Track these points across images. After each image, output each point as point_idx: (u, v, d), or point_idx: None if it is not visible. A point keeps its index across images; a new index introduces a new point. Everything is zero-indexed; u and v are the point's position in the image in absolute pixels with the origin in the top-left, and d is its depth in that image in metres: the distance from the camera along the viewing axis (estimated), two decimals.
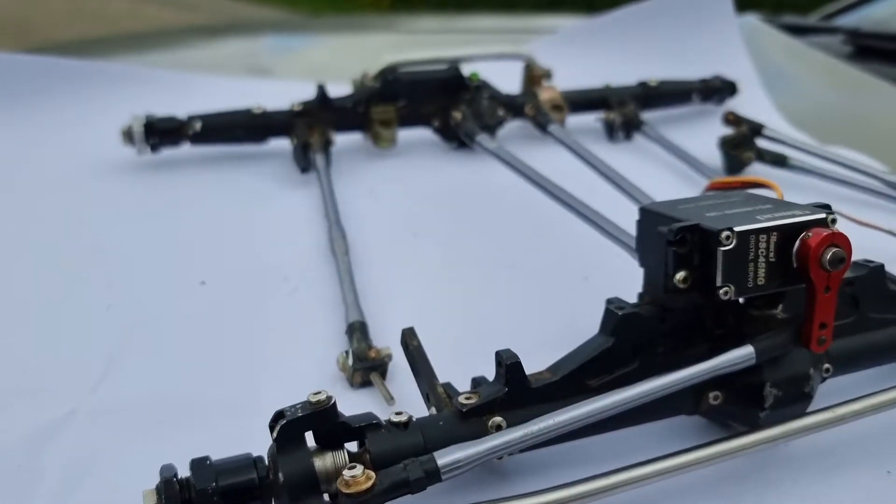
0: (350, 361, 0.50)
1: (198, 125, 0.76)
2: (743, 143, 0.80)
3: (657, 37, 1.01)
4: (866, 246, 0.62)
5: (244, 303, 0.58)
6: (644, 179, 0.78)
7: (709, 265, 0.42)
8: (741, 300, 0.45)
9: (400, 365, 0.49)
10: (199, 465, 0.37)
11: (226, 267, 0.62)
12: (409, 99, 0.80)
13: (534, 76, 0.88)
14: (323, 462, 0.38)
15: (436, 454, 0.38)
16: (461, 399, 0.42)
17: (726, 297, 0.43)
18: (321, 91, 0.78)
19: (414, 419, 0.41)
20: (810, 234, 0.42)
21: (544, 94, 0.86)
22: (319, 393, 0.39)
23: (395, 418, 0.40)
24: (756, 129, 0.83)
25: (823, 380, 0.48)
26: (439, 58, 0.84)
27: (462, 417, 0.41)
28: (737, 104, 0.97)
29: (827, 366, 0.47)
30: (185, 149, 0.78)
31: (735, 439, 0.43)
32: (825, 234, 0.42)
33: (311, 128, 0.78)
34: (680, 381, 0.42)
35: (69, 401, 0.47)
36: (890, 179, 0.75)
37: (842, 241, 0.42)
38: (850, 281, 0.48)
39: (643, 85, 0.91)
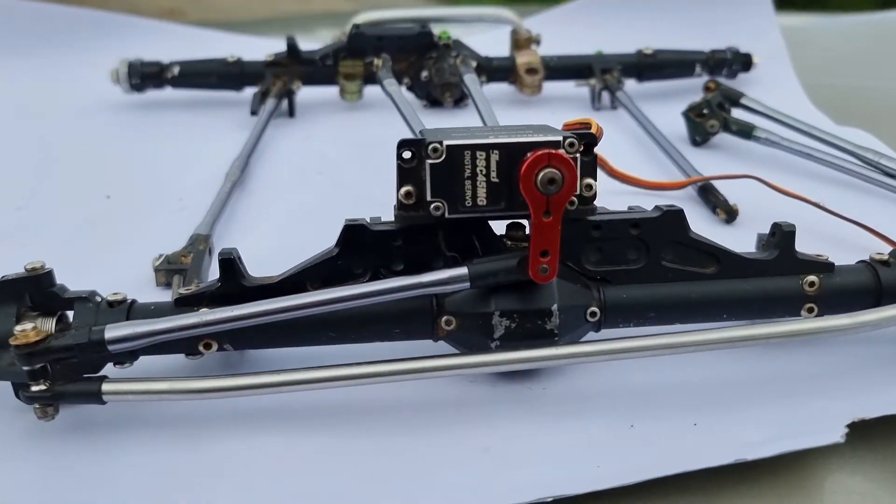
0: (159, 263, 0.53)
1: (176, 70, 0.83)
2: (708, 111, 0.74)
3: (684, 7, 0.95)
4: (790, 217, 0.58)
5: (131, 214, 0.63)
6: (605, 150, 0.75)
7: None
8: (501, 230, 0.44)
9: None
10: None
11: (136, 187, 0.68)
12: (377, 55, 0.82)
13: (519, 41, 0.87)
14: (23, 325, 0.42)
15: (108, 326, 0.40)
16: (180, 290, 0.44)
17: (438, 213, 0.42)
18: (290, 44, 0.83)
19: (133, 301, 0.44)
20: (529, 154, 0.40)
21: (521, 58, 0.85)
22: (36, 262, 0.43)
23: (111, 297, 0.43)
24: (733, 98, 0.76)
25: (597, 327, 0.44)
26: (415, 17, 0.85)
27: (174, 305, 0.43)
28: (759, 79, 0.90)
29: (594, 309, 0.44)
30: (172, 92, 0.85)
31: (459, 357, 0.42)
32: (542, 153, 0.39)
33: (278, 77, 0.82)
34: (386, 291, 0.41)
35: None
36: (866, 157, 0.67)
37: (560, 163, 0.40)
38: (636, 223, 0.45)
39: (638, 54, 0.87)
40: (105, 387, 0.40)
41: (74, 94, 0.85)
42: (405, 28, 0.83)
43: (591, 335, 0.45)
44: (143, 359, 0.44)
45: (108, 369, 0.42)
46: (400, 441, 0.41)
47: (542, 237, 0.41)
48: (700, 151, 0.76)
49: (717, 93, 0.75)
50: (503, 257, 0.42)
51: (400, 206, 0.43)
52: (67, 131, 0.78)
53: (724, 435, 0.41)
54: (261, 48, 0.86)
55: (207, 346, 0.43)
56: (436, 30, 0.83)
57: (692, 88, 0.90)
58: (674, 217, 0.45)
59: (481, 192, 0.41)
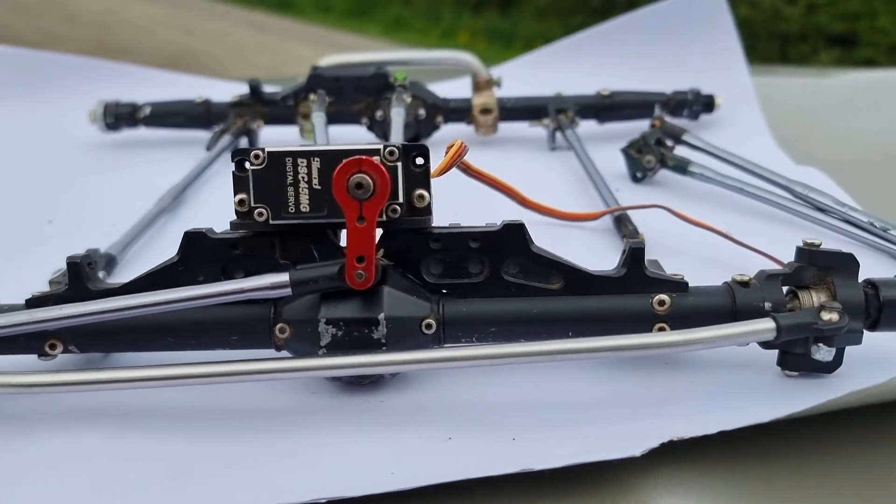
0: (55, 276, 0.56)
1: (147, 110, 0.88)
2: (645, 147, 0.73)
3: (652, 51, 0.95)
4: (699, 247, 0.60)
5: (65, 236, 0.67)
6: (545, 186, 0.76)
7: None
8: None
9: None
10: None
11: (79, 214, 0.72)
12: (336, 96, 0.85)
13: (478, 83, 0.88)
14: None
15: None
16: (34, 292, 0.46)
17: (262, 220, 0.43)
18: (252, 86, 0.86)
19: None
20: (344, 160, 0.41)
21: (477, 99, 0.86)
22: None
23: None
24: (675, 134, 0.75)
25: (437, 340, 0.44)
26: (376, 60, 0.88)
27: (25, 306, 0.45)
28: (725, 120, 0.89)
29: (430, 321, 0.44)
30: (145, 131, 0.90)
31: (280, 361, 0.42)
32: (351, 160, 0.40)
33: (239, 116, 0.86)
34: (201, 295, 0.43)
35: None
36: (796, 190, 0.65)
37: (371, 169, 0.40)
38: (476, 236, 0.45)
39: (597, 96, 0.87)
40: None
41: (54, 135, 0.90)
42: (362, 70, 0.86)
43: None
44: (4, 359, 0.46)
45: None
46: (212, 443, 0.42)
47: (357, 243, 0.41)
48: (641, 187, 0.75)
49: (655, 130, 0.75)
50: (325, 264, 0.43)
51: (236, 215, 0.44)
52: (43, 166, 0.84)
53: (535, 448, 0.40)
54: (233, 91, 0.91)
55: (53, 347, 0.45)
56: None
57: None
58: (515, 231, 0.45)
59: (304, 199, 0.42)
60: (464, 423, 0.42)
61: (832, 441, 0.42)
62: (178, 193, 0.71)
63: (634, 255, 0.45)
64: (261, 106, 0.87)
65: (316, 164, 0.42)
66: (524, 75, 0.97)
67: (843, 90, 1.10)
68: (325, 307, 0.43)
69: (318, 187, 0.42)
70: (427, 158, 0.44)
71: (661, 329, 0.44)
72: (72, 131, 0.90)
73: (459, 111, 0.87)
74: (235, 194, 0.44)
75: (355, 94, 0.85)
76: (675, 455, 0.39)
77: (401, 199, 0.43)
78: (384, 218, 0.42)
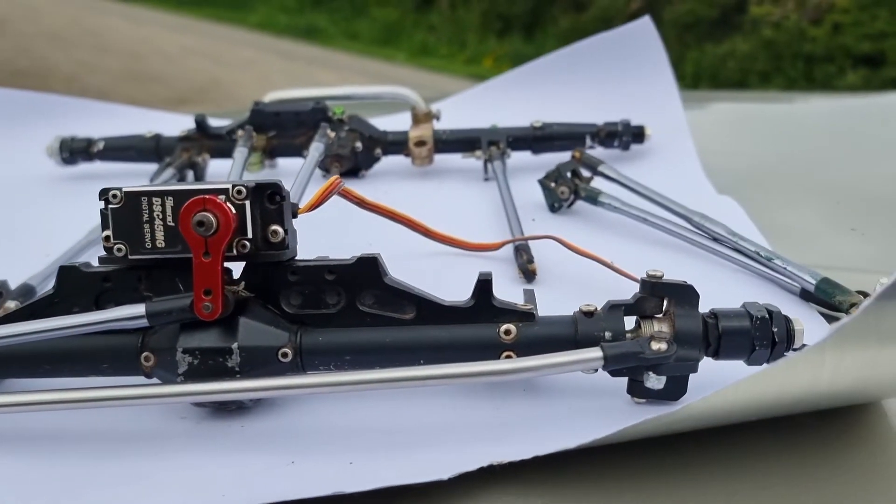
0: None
1: (101, 145, 0.92)
2: (560, 178, 0.75)
3: (589, 83, 0.98)
4: (586, 276, 0.62)
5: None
6: (468, 216, 0.78)
7: None
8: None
9: None
10: None
11: (16, 244, 0.76)
12: (278, 129, 0.89)
13: (417, 116, 0.91)
14: None
15: None
16: None
17: (121, 255, 0.46)
18: (198, 121, 0.90)
19: None
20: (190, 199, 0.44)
21: (413, 132, 0.89)
22: None
23: None
24: (593, 166, 0.77)
25: (294, 368, 0.47)
26: (320, 95, 0.91)
27: None
28: (656, 149, 0.91)
29: (285, 350, 0.46)
30: (107, 165, 0.94)
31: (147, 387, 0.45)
32: (196, 199, 0.43)
33: (186, 150, 0.89)
34: (63, 326, 0.46)
35: None
36: (693, 219, 0.67)
37: (215, 208, 0.43)
38: (332, 269, 0.47)
39: (530, 127, 0.89)
40: None
41: (16, 168, 0.95)
42: (301, 104, 0.89)
43: None
44: None
45: None
46: (73, 468, 0.44)
47: (202, 277, 0.44)
48: (558, 217, 0.77)
49: (572, 161, 0.77)
50: (179, 297, 0.45)
51: (104, 250, 0.47)
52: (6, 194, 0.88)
53: (369, 470, 0.42)
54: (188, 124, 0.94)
55: None
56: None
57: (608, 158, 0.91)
58: (368, 264, 0.47)
59: (159, 236, 0.45)
60: (309, 447, 0.45)
61: (665, 465, 0.43)
62: None
63: (483, 286, 0.47)
64: (207, 140, 0.90)
65: (169, 202, 0.45)
66: (468, 109, 0.99)
67: (792, 115, 1.12)
68: (182, 337, 0.46)
69: (172, 224, 0.45)
70: (281, 195, 0.46)
71: (508, 356, 0.46)
72: (29, 166, 0.94)
73: (397, 143, 0.90)
74: (102, 230, 0.47)
75: (296, 128, 0.89)
76: (498, 479, 0.41)
77: (250, 235, 0.45)
78: (234, 252, 0.45)
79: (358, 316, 0.48)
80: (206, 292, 0.44)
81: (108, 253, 0.46)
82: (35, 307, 0.48)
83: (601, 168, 0.77)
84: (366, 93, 0.93)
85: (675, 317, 0.46)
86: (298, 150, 0.90)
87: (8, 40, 7.06)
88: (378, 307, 0.48)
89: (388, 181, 0.89)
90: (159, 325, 0.46)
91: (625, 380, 0.47)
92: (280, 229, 0.46)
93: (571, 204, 0.76)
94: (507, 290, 0.50)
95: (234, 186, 0.45)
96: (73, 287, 0.48)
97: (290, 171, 0.91)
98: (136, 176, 0.93)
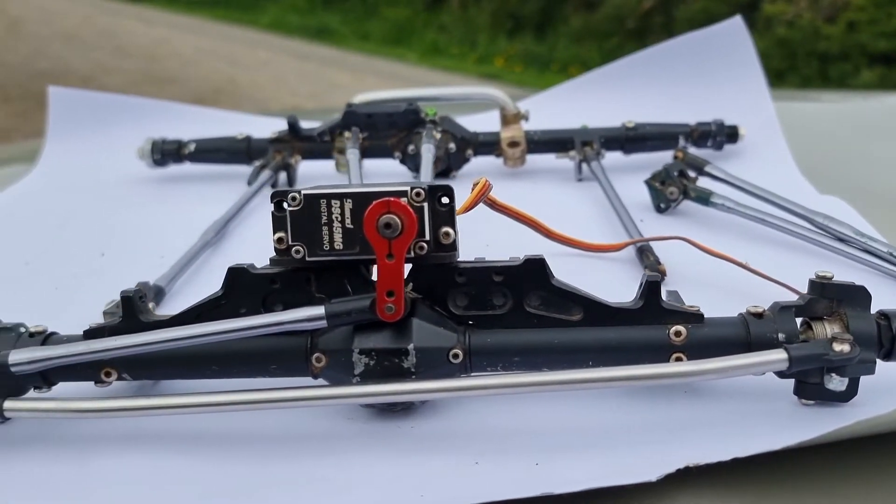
0: (109, 307, 0.60)
1: (192, 147, 0.92)
2: (667, 178, 0.75)
3: (678, 83, 0.98)
4: (717, 277, 0.62)
5: (116, 268, 0.71)
6: (572, 217, 0.78)
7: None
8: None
9: None
10: None
11: (130, 246, 0.76)
12: (370, 131, 0.89)
13: (507, 117, 0.91)
14: None
15: (12, 350, 0.46)
16: (92, 324, 0.50)
17: (298, 256, 0.46)
18: (290, 122, 0.90)
19: (52, 333, 0.50)
20: (374, 202, 0.44)
21: (505, 133, 0.89)
22: None
23: (33, 329, 0.50)
24: (699, 167, 0.77)
25: (463, 369, 0.47)
26: (409, 97, 0.91)
27: (83, 337, 0.49)
28: (748, 150, 0.91)
29: (456, 351, 0.46)
30: (194, 166, 0.95)
31: (303, 390, 0.45)
32: (380, 201, 0.43)
33: (278, 152, 0.90)
34: (245, 327, 0.46)
35: None
36: (816, 220, 0.67)
37: (399, 210, 0.44)
38: (499, 271, 0.48)
39: (622, 127, 0.89)
40: (7, 404, 0.46)
41: (111, 171, 0.96)
42: (394, 105, 0.89)
43: None
44: (61, 386, 0.50)
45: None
46: (247, 468, 0.44)
47: (386, 278, 0.44)
48: (665, 218, 0.77)
49: (678, 161, 0.77)
50: (357, 298, 0.46)
51: (275, 251, 0.47)
52: (92, 201, 0.89)
53: (556, 472, 0.42)
54: (273, 126, 0.95)
55: (108, 374, 0.48)
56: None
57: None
58: (535, 265, 0.47)
59: (337, 238, 0.46)
60: (489, 448, 0.45)
61: (847, 468, 0.43)
62: (221, 227, 0.75)
63: (651, 288, 0.47)
64: (298, 142, 0.91)
65: (348, 205, 0.45)
66: (551, 108, 0.99)
67: (868, 115, 1.11)
68: (358, 338, 0.46)
69: (351, 226, 0.45)
70: (452, 198, 0.46)
71: (678, 359, 0.47)
72: (121, 167, 0.95)
73: (488, 144, 0.90)
74: (275, 232, 0.47)
75: (388, 130, 0.89)
76: (691, 481, 0.41)
77: (427, 237, 0.45)
78: (412, 254, 0.45)
79: (525, 317, 0.48)
80: (389, 294, 0.44)
81: (283, 254, 0.46)
82: (202, 308, 0.48)
83: (708, 168, 0.77)
84: (455, 93, 0.93)
85: (848, 318, 0.46)
86: (389, 152, 0.90)
87: (25, 42, 7.09)
88: (544, 308, 0.48)
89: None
90: (336, 325, 0.46)
91: (787, 382, 0.47)
92: (451, 231, 0.46)
93: (678, 204, 0.76)
94: (632, 292, 0.50)
95: (412, 189, 0.45)
96: (241, 288, 0.48)
97: (375, 173, 0.91)
98: (222, 178, 0.94)
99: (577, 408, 0.48)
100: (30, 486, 0.44)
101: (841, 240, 0.65)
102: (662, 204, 0.76)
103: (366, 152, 0.90)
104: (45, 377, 0.48)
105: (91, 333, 0.49)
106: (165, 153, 0.93)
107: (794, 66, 5.16)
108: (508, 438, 0.45)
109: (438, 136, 0.87)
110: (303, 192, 0.45)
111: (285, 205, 0.46)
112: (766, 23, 5.43)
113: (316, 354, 0.47)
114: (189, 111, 1.06)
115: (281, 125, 0.95)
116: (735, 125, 0.89)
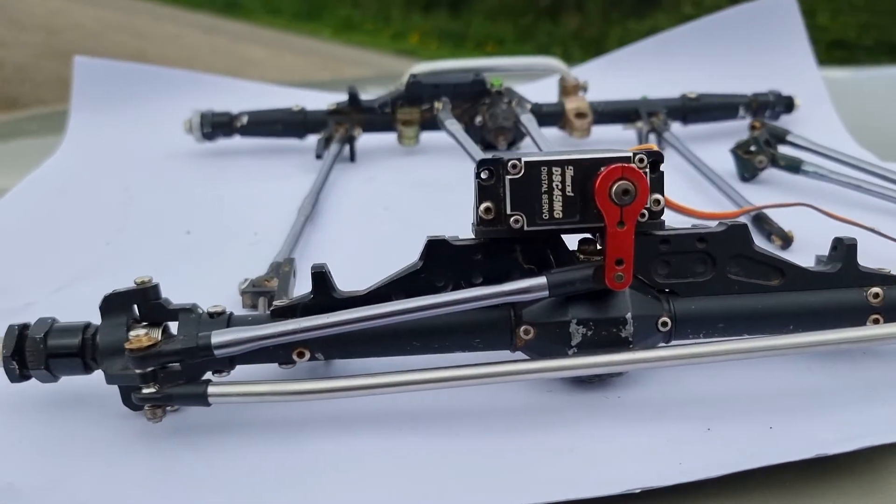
0: (244, 286, 0.57)
1: (245, 119, 0.88)
2: (756, 147, 0.77)
3: (723, 54, 0.99)
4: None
5: (210, 247, 0.67)
6: None
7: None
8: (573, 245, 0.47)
9: None
10: (41, 321, 0.46)
11: (213, 223, 0.72)
12: (433, 102, 0.87)
13: (566, 87, 0.91)
14: (136, 333, 0.45)
15: (214, 332, 0.43)
16: (275, 302, 0.47)
17: (517, 226, 0.45)
18: (351, 93, 0.87)
19: (231, 313, 0.47)
20: (604, 168, 0.43)
21: (570, 104, 0.89)
22: (145, 277, 0.46)
23: (212, 309, 0.47)
24: (779, 135, 0.79)
25: (668, 338, 0.47)
26: (469, 67, 0.90)
27: (271, 316, 0.46)
28: (802, 121, 0.93)
29: (665, 320, 0.46)
30: (241, 140, 0.90)
31: (513, 364, 0.44)
32: (615, 166, 0.42)
33: (340, 124, 0.87)
34: (468, 299, 0.44)
35: (31, 296, 0.59)
36: None
37: (633, 176, 0.43)
38: (702, 237, 0.47)
39: (683, 98, 0.90)
40: (211, 389, 0.43)
41: (151, 144, 0.90)
42: (460, 76, 0.87)
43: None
44: (238, 369, 0.47)
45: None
46: (487, 442, 0.43)
47: (617, 246, 0.43)
48: (749, 186, 0.78)
49: (763, 130, 0.78)
50: (579, 267, 0.45)
51: (479, 222, 0.46)
52: (147, 177, 0.84)
53: (800, 435, 0.42)
54: (315, 100, 0.91)
55: (301, 355, 0.46)
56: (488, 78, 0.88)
57: (734, 130, 0.93)
58: (739, 231, 0.47)
59: (557, 206, 0.44)
60: (715, 413, 0.45)
61: None
62: (315, 201, 0.72)
63: (849, 252, 0.48)
64: (358, 113, 0.88)
65: (570, 171, 0.44)
66: (598, 78, 0.99)
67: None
68: (573, 308, 0.45)
69: (571, 194, 0.44)
70: (660, 164, 0.46)
71: (876, 321, 0.48)
72: (161, 141, 0.90)
73: (552, 115, 0.89)
74: (480, 202, 0.45)
75: (453, 101, 0.87)
76: None
77: (648, 204, 0.45)
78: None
79: (726, 283, 0.48)
80: (619, 262, 0.43)
81: (490, 224, 0.45)
82: (400, 282, 0.46)
83: (790, 137, 0.79)
84: (515, 64, 0.92)
85: None
86: None
87: None
88: (744, 274, 0.48)
89: None
90: (557, 296, 0.45)
91: None
92: (661, 198, 0.46)
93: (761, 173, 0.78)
94: None
95: (635, 154, 0.44)
96: (440, 260, 0.46)
97: (435, 147, 0.89)
98: (270, 152, 0.91)
99: (785, 372, 0.48)
100: (247, 473, 0.41)
101: None
102: (747, 173, 0.78)
103: (426, 124, 0.88)
104: (232, 359, 0.45)
105: (280, 312, 0.46)
106: (216, 126, 0.88)
107: None
108: (726, 403, 0.45)
109: (504, 107, 0.86)
110: (524, 159, 0.44)
111: (504, 174, 0.44)
112: (674, 1, 5.58)
113: (524, 327, 0.46)
114: (222, 83, 1.01)
115: (315, 97, 0.92)
116: (791, 96, 0.91)
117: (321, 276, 0.46)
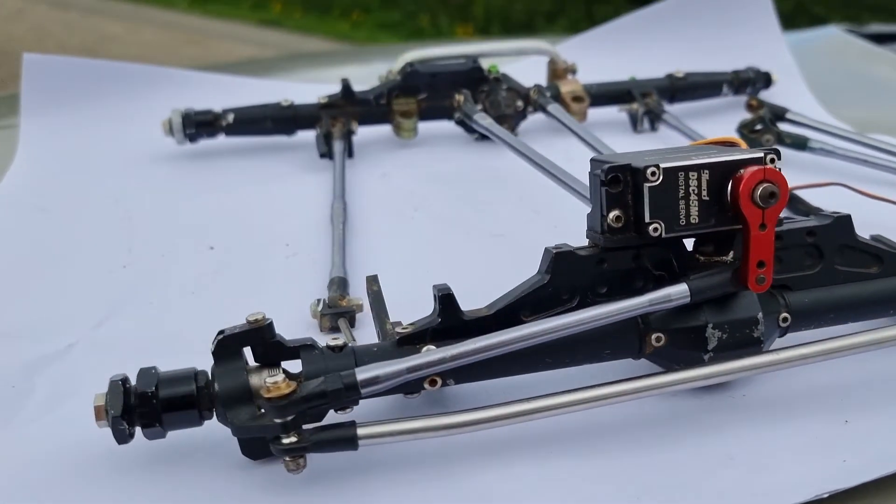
0: (320, 308, 0.53)
1: (230, 117, 0.82)
2: (761, 126, 0.79)
3: (693, 32, 1.01)
4: (875, 220, 0.61)
5: (244, 264, 0.63)
6: None
7: (640, 203, 0.43)
8: (692, 248, 0.46)
9: (370, 315, 0.52)
10: (144, 372, 0.41)
11: (234, 235, 0.67)
12: (429, 91, 0.84)
13: (557, 70, 0.90)
14: (258, 378, 0.41)
15: (357, 370, 0.40)
16: (398, 329, 0.44)
17: (656, 234, 0.43)
18: (345, 85, 0.83)
19: (353, 346, 0.44)
20: (743, 170, 0.42)
21: (565, 87, 0.88)
22: (257, 313, 0.42)
23: (332, 342, 0.43)
24: (779, 114, 0.81)
25: (784, 332, 0.47)
26: (461, 53, 0.87)
27: (396, 345, 0.43)
28: (775, 95, 0.96)
29: (785, 315, 0.46)
30: (222, 140, 0.84)
31: (673, 374, 0.43)
32: (757, 169, 0.42)
33: (335, 119, 0.82)
34: (612, 313, 0.43)
35: (72, 335, 0.53)
36: None
37: (775, 177, 0.42)
38: (812, 231, 0.48)
39: (670, 77, 0.91)
40: (360, 431, 0.39)
41: (127, 148, 0.83)
42: (457, 63, 0.85)
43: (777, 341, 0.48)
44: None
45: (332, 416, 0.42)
46: (642, 457, 0.42)
47: (759, 249, 0.43)
48: None
49: (765, 109, 0.80)
50: (716, 272, 0.44)
51: (609, 230, 0.44)
52: (136, 186, 0.76)
53: None
54: (290, 92, 0.86)
55: (433, 383, 0.43)
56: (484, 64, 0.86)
57: (715, 107, 0.95)
58: (844, 222, 0.48)
59: (693, 211, 0.43)
60: (846, 406, 0.45)
61: None
62: (344, 207, 0.68)
63: None
64: (352, 106, 0.83)
65: (705, 176, 0.43)
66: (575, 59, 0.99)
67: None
68: (707, 312, 0.45)
69: (707, 198, 0.43)
70: (778, 160, 0.46)
71: None
72: (143, 144, 0.82)
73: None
74: (609, 211, 0.44)
75: (449, 89, 0.84)
76: None
77: None
78: None
79: (833, 274, 0.48)
80: (760, 264, 0.43)
81: (619, 233, 0.43)
82: (527, 298, 0.44)
83: (789, 115, 0.81)
84: (506, 48, 0.90)
85: None
86: (449, 112, 0.85)
87: None
88: (847, 264, 0.49)
89: (545, 138, 0.86)
90: (697, 302, 0.44)
91: None
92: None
93: None
94: None
95: (766, 154, 0.44)
96: (566, 272, 0.45)
97: (436, 135, 0.86)
98: (258, 151, 0.85)
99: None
100: None
101: None
102: None
103: (424, 113, 0.85)
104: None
105: (408, 340, 0.43)
106: (199, 126, 0.82)
107: (563, 8, 5.47)
108: (857, 394, 0.46)
109: (504, 93, 0.84)
110: (661, 165, 0.43)
111: (641, 181, 0.43)
112: None
113: (655, 334, 0.45)
114: (189, 77, 0.93)
115: (291, 88, 0.87)
116: (768, 71, 0.94)
117: (448, 299, 0.44)
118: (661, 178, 0.43)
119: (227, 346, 0.41)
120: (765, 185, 0.42)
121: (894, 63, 1.11)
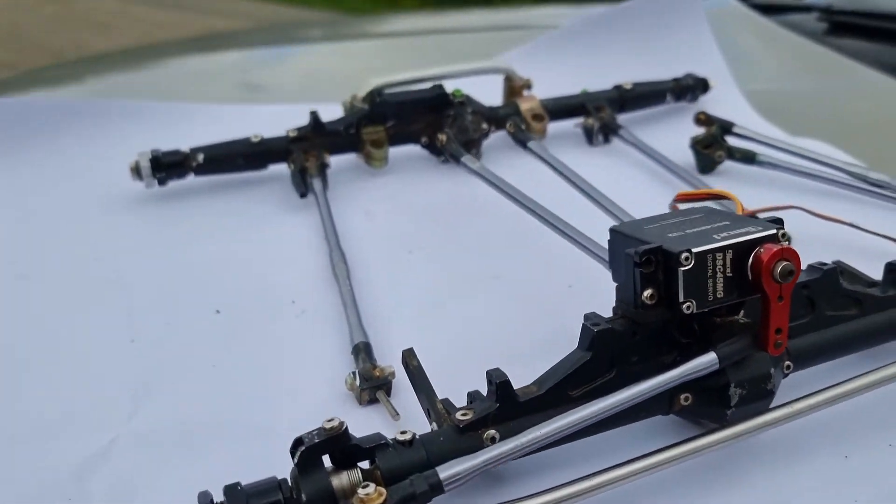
0: (357, 382, 0.55)
1: (200, 157, 0.80)
2: (713, 142, 0.84)
3: (629, 40, 1.06)
4: (829, 238, 0.67)
5: (257, 328, 0.63)
6: (622, 182, 0.84)
7: (672, 283, 0.48)
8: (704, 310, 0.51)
9: (402, 380, 0.54)
10: (231, 491, 0.43)
11: (237, 294, 0.67)
12: (397, 119, 0.85)
13: (514, 87, 0.93)
14: (339, 481, 0.43)
15: (438, 469, 0.43)
16: (458, 415, 0.47)
17: (689, 311, 0.48)
18: (314, 117, 0.83)
19: (417, 436, 0.46)
20: (762, 249, 0.47)
21: (524, 105, 0.91)
22: (332, 420, 0.44)
23: (401, 437, 0.46)
24: (726, 128, 0.87)
25: (785, 375, 0.53)
26: (423, 76, 0.88)
27: (460, 432, 0.47)
28: (709, 100, 1.02)
29: (788, 363, 0.52)
30: (191, 178, 0.83)
31: (707, 436, 0.48)
32: (775, 249, 0.47)
33: (307, 152, 0.82)
34: (653, 387, 0.47)
35: (109, 431, 0.53)
36: (854, 171, 0.80)
37: (791, 256, 0.47)
38: (806, 284, 0.53)
39: (618, 88, 0.96)
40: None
41: (93, 194, 0.80)
42: (421, 90, 0.86)
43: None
44: None
45: None
46: None
47: (777, 318, 0.48)
48: (709, 178, 0.86)
49: (716, 126, 0.86)
50: (737, 340, 0.49)
51: (643, 307, 0.48)
52: (110, 241, 0.74)
53: None
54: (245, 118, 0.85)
55: None
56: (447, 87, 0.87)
57: (660, 115, 1.00)
58: (832, 274, 0.54)
59: (719, 287, 0.48)
60: (840, 439, 0.52)
61: None
62: (344, 258, 0.69)
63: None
64: (322, 137, 0.84)
65: (729, 255, 0.48)
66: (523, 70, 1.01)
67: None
68: (731, 372, 0.50)
69: (730, 275, 0.48)
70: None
71: None
72: (104, 188, 0.80)
73: (506, 118, 0.90)
74: (643, 290, 0.48)
75: (415, 115, 0.86)
76: None
77: None
78: None
79: (823, 320, 0.55)
80: (778, 331, 0.48)
81: (651, 309, 0.48)
82: (574, 377, 0.48)
83: (735, 129, 0.87)
84: (463, 69, 0.91)
85: None
86: (415, 137, 0.87)
87: None
88: (833, 309, 0.55)
89: (505, 158, 0.89)
90: (723, 366, 0.49)
91: None
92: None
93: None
94: None
95: (779, 231, 0.48)
96: (606, 347, 0.49)
97: (397, 164, 0.87)
98: (229, 188, 0.84)
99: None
100: None
101: (879, 185, 0.79)
102: (706, 167, 0.85)
103: (392, 139, 0.86)
104: None
105: (470, 426, 0.46)
106: (169, 168, 0.80)
107: None
108: (841, 428, 0.53)
109: (469, 117, 0.87)
110: (693, 250, 0.47)
111: (674, 265, 0.47)
112: None
113: (684, 394, 0.50)
114: (141, 108, 0.90)
115: (251, 112, 0.86)
116: (705, 78, 1.00)
117: (505, 386, 0.47)
118: (693, 262, 0.47)
119: (310, 458, 0.43)
120: (783, 263, 0.47)
121: (777, 37, 1.18)
